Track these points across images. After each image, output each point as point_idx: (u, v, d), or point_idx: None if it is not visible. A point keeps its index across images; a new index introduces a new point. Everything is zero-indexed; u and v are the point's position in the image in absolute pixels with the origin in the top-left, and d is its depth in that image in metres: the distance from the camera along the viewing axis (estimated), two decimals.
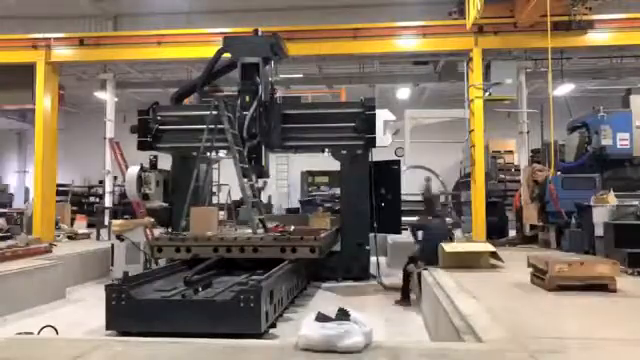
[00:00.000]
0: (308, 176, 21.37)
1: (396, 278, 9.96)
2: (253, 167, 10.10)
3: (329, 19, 12.86)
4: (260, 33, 10.67)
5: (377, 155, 10.81)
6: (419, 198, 18.18)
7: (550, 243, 10.85)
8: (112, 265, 10.64)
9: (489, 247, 8.30)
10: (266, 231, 9.17)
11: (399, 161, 11.38)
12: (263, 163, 10.32)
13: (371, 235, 10.49)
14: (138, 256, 10.31)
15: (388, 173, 10.90)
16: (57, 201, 13.93)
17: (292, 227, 10.04)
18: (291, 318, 7.48)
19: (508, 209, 13.43)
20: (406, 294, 8.26)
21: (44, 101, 12.68)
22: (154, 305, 6.34)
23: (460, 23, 11.82)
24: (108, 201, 14.12)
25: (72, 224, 14.65)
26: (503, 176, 17.09)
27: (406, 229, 10.89)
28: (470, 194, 11.99)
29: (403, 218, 11.27)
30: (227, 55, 10.84)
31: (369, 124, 10.45)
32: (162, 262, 9.36)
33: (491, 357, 3.74)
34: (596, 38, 11.84)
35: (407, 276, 8.26)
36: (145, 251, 9.98)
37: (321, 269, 9.91)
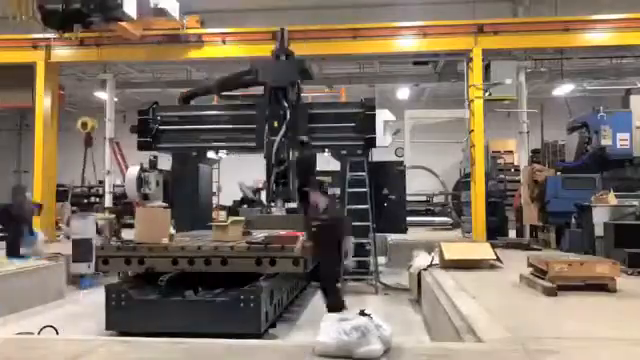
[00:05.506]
0: None
1: (396, 277, 9.98)
2: (281, 191, 10.03)
3: (329, 19, 12.84)
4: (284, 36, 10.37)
5: (377, 155, 10.80)
6: (420, 198, 18.22)
7: (550, 243, 10.85)
8: None
9: (489, 254, 8.23)
10: None
11: (402, 162, 11.32)
12: (291, 188, 10.20)
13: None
14: None
15: (392, 174, 10.87)
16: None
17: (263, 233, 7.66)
18: (291, 318, 7.49)
19: (508, 209, 13.42)
20: None
21: (44, 101, 12.68)
22: (154, 305, 6.33)
23: (460, 23, 11.82)
24: (108, 201, 14.11)
25: None
26: (503, 176, 17.06)
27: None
28: (470, 194, 11.99)
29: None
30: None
31: (369, 124, 10.44)
32: None
33: (491, 357, 3.74)
34: (596, 38, 11.85)
35: None
36: None
37: None
